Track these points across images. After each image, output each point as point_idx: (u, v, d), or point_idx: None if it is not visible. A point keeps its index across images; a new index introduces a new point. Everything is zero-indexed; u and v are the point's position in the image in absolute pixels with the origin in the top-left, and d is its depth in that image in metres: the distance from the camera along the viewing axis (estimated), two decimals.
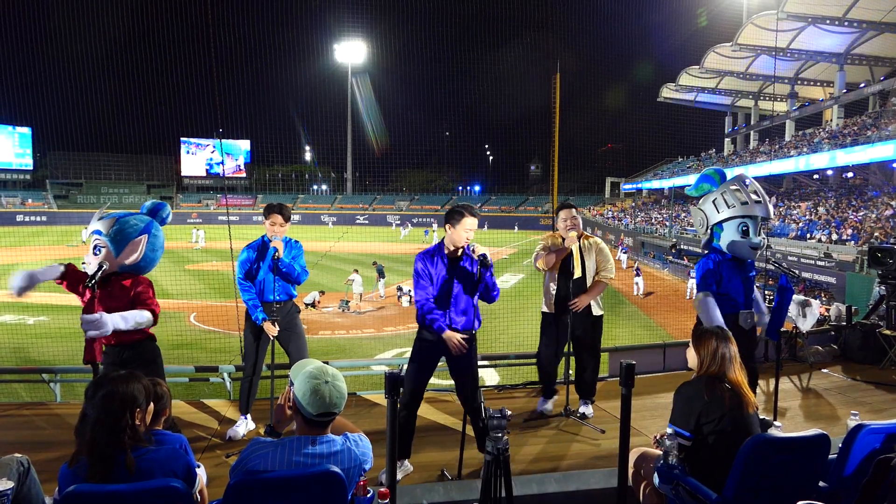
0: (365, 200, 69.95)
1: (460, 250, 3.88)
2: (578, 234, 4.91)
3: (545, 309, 5.03)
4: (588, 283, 4.90)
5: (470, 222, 3.82)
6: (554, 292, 4.93)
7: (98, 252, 3.83)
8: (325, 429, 2.36)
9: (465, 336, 3.87)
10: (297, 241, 4.73)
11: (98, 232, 3.85)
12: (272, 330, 4.49)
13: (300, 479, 2.17)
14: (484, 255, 3.74)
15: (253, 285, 4.57)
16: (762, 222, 4.38)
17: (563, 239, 4.86)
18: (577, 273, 4.86)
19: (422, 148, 72.35)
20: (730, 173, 4.69)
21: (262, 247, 4.60)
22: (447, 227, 3.89)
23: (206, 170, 70.91)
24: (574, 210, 5.00)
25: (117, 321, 3.52)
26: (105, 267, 3.66)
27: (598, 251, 4.97)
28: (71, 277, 3.83)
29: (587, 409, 4.97)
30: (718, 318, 4.03)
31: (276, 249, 4.43)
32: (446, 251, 3.90)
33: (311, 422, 2.33)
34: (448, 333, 3.80)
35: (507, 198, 71.12)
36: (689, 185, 4.86)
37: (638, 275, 25.29)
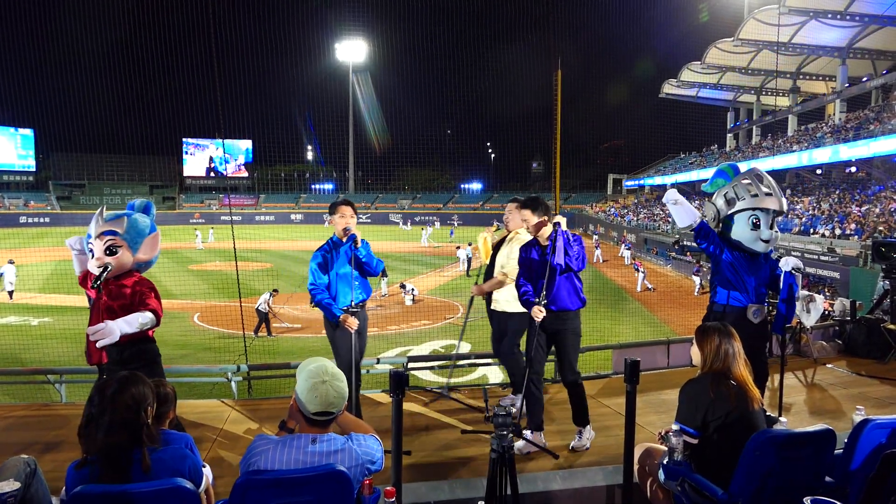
0: (367, 199, 69.97)
1: (545, 239, 4.29)
2: (509, 231, 5.03)
3: None
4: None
5: (522, 213, 4.34)
6: None
7: (115, 252, 3.74)
8: (326, 427, 2.36)
9: (559, 314, 4.25)
10: (363, 239, 4.59)
11: (112, 233, 3.76)
12: (354, 323, 4.34)
13: (306, 478, 2.18)
14: (558, 223, 4.15)
15: (327, 288, 4.45)
16: (775, 216, 4.35)
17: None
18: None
19: (424, 146, 72.24)
20: (742, 167, 4.67)
21: (334, 246, 4.52)
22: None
23: (213, 169, 71.08)
24: (514, 205, 4.92)
25: (123, 326, 3.51)
26: (111, 267, 3.65)
27: (511, 247, 4.87)
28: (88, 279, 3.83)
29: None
30: (689, 208, 4.37)
31: (354, 236, 4.35)
32: (538, 241, 4.38)
33: (311, 420, 2.34)
34: (534, 310, 4.10)
35: (510, 195, 70.85)
36: (705, 182, 4.84)
37: (638, 270, 25.34)
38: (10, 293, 20.42)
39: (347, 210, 4.49)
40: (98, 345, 3.34)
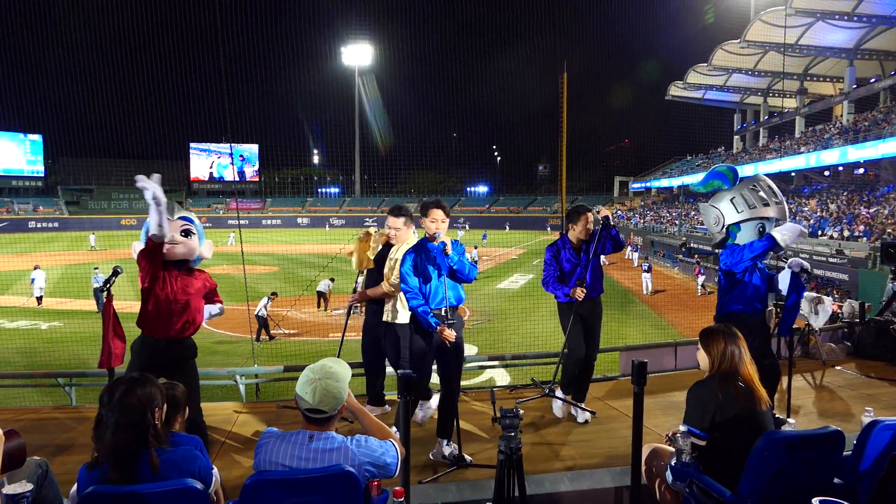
0: (373, 203, 70.08)
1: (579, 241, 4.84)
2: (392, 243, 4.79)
3: None
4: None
5: (588, 216, 4.79)
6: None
7: (189, 236, 4.02)
8: (323, 425, 2.37)
9: (596, 299, 4.86)
10: (457, 241, 4.23)
11: (189, 219, 4.07)
12: (451, 335, 4.00)
13: (315, 479, 2.19)
14: (606, 217, 4.67)
15: (420, 293, 4.12)
16: (777, 224, 4.35)
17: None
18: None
19: (429, 149, 72.40)
20: (741, 171, 4.65)
21: (423, 248, 4.18)
22: (570, 226, 4.88)
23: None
24: (402, 219, 4.82)
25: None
26: (120, 272, 3.69)
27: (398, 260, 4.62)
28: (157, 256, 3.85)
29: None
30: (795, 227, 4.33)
31: (444, 244, 4.02)
32: (571, 242, 4.87)
33: (306, 417, 2.36)
34: (578, 292, 4.59)
35: (516, 198, 71.08)
36: (696, 182, 4.81)
37: (647, 271, 25.05)
38: (39, 298, 20.56)
39: (438, 214, 4.14)
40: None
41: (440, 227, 4.12)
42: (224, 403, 5.56)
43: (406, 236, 4.79)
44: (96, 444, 2.31)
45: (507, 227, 57.76)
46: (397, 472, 2.45)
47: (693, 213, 41.68)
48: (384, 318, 4.80)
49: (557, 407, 4.98)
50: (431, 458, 4.12)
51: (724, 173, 4.54)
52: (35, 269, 20.78)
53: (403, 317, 4.62)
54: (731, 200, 4.42)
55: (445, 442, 4.14)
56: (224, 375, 6.43)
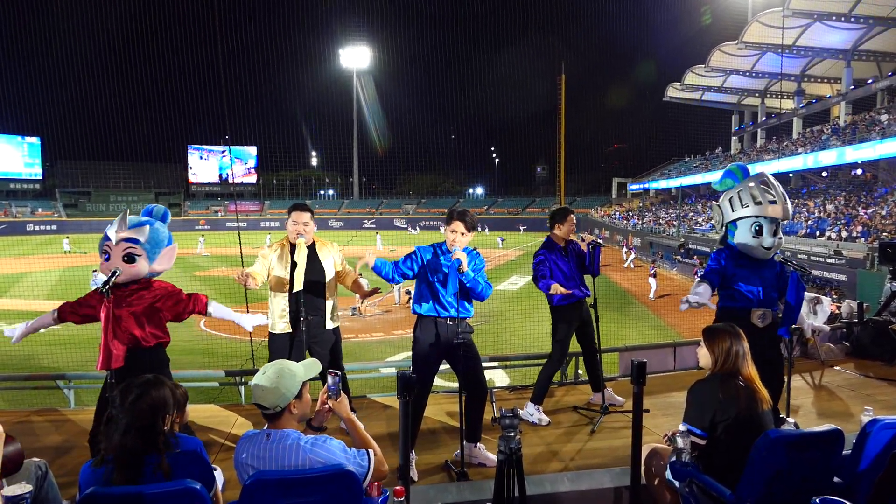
0: (372, 205, 70.08)
1: (565, 242, 5.06)
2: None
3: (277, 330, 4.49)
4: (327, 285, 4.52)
5: (572, 218, 5.09)
6: (285, 308, 4.46)
7: (133, 261, 3.70)
8: (275, 422, 2.38)
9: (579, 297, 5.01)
10: (477, 252, 4.06)
11: (134, 241, 3.71)
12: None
13: (313, 478, 2.20)
14: (593, 241, 4.98)
15: (400, 273, 3.99)
16: (779, 223, 4.33)
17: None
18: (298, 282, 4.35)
19: (428, 151, 72.58)
20: (752, 170, 4.63)
21: (440, 253, 3.98)
22: (557, 225, 5.03)
23: (220, 175, 71.32)
24: (300, 209, 4.49)
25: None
26: (119, 272, 3.66)
27: (330, 250, 4.63)
28: (73, 314, 3.78)
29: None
30: (703, 296, 4.14)
31: (459, 262, 3.75)
32: (559, 243, 5.03)
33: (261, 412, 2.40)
34: (554, 285, 4.61)
35: (514, 200, 71.10)
36: (716, 181, 4.80)
37: (653, 276, 24.72)
38: None
39: (460, 226, 3.90)
40: None
41: (458, 241, 3.89)
42: (223, 405, 5.55)
43: (313, 232, 4.54)
44: (103, 442, 2.29)
45: (522, 230, 57.62)
46: (367, 482, 2.40)
47: (691, 214, 41.73)
48: (329, 325, 4.58)
49: (529, 414, 4.84)
50: (453, 457, 4.04)
51: (734, 171, 4.54)
52: (94, 273, 20.75)
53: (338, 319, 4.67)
54: (730, 199, 4.42)
55: (474, 445, 4.06)
56: (223, 377, 6.41)
